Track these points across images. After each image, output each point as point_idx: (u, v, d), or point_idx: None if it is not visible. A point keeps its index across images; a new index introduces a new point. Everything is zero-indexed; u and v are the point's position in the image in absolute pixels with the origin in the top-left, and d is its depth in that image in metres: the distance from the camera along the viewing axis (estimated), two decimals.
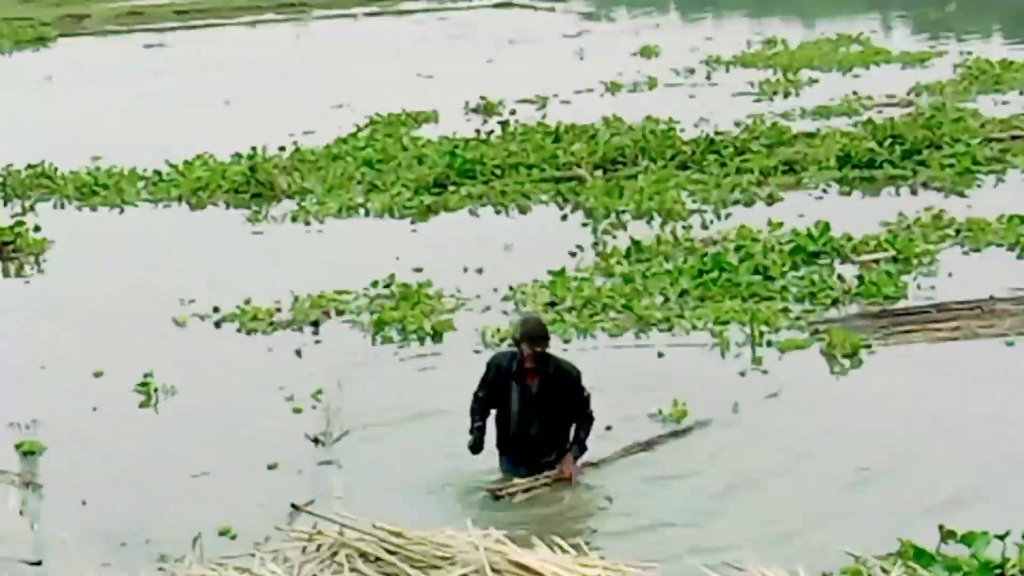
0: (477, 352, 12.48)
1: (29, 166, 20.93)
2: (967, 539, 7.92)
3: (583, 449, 9.77)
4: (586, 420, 9.73)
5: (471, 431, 9.73)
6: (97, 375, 12.34)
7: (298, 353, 12.93)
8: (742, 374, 11.95)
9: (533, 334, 9.53)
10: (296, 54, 33.95)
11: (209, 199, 19.81)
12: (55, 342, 13.33)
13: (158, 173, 20.83)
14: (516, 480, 9.55)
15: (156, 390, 11.86)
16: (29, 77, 31.18)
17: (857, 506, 9.22)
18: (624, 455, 10.15)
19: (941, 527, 8.05)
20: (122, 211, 19.60)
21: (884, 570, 7.44)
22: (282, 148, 21.38)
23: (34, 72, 31.91)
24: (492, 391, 9.68)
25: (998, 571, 7.62)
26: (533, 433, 9.65)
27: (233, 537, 8.54)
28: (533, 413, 9.61)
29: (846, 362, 12.10)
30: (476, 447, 9.71)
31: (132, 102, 26.96)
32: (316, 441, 10.60)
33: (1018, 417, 10.54)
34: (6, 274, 16.49)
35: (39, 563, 8.52)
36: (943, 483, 9.45)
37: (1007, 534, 7.87)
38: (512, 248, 16.16)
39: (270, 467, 10.15)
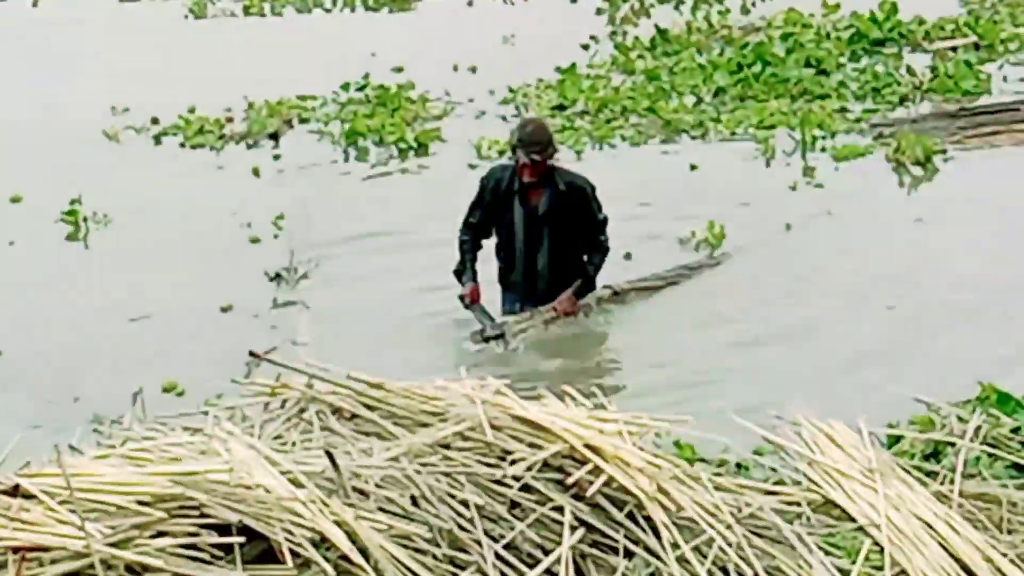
0: (473, 167, 12.43)
1: None
2: None
3: (590, 286, 9.73)
4: (598, 250, 9.65)
5: (460, 272, 9.63)
6: (15, 201, 12.25)
7: (255, 172, 12.87)
8: (792, 188, 11.89)
9: (533, 139, 9.38)
10: None
11: None
12: None
13: None
14: (506, 319, 9.55)
15: (85, 219, 11.79)
16: None
17: (931, 347, 9.24)
18: (648, 288, 10.14)
19: None
20: (35, 3, 19.40)
21: (961, 419, 7.46)
22: None
23: None
24: (489, 214, 9.59)
25: None
26: (542, 265, 9.60)
27: (180, 394, 8.57)
28: (540, 239, 9.55)
29: (917, 171, 12.05)
30: (471, 296, 9.59)
31: None
32: (277, 278, 10.56)
33: None
34: None
35: None
36: None
37: None
38: (512, 40, 16.01)
39: (224, 309, 10.11)
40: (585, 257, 9.67)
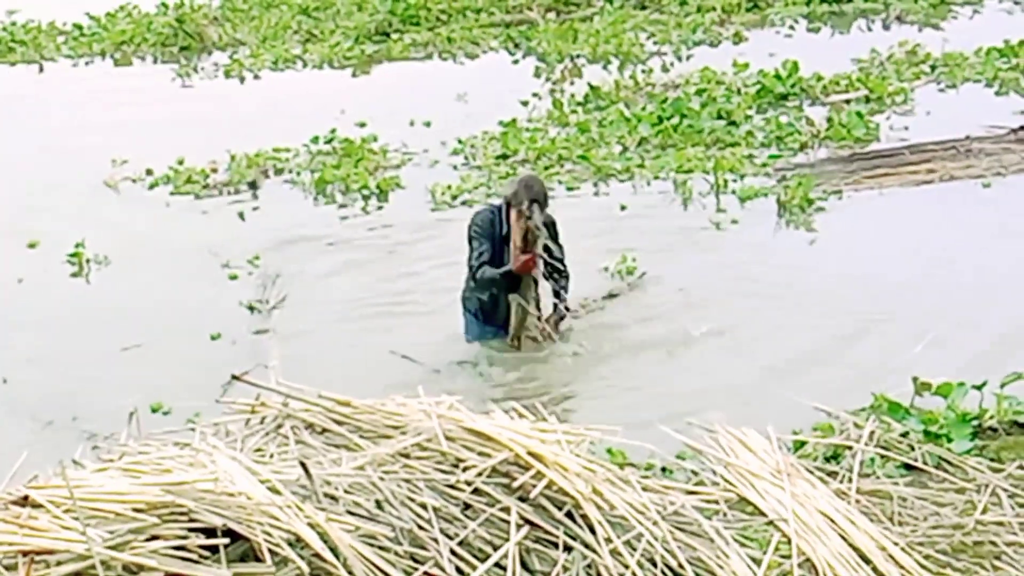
0: (434, 210, 12.42)
1: None
2: (943, 390, 7.95)
3: (567, 310, 9.71)
4: (563, 275, 9.63)
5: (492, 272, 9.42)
6: (31, 246, 12.11)
7: (240, 216, 12.80)
8: (717, 226, 11.87)
9: (541, 196, 9.24)
10: None
11: (134, 53, 19.55)
12: None
13: (78, 27, 20.51)
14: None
15: (88, 260, 11.69)
16: None
17: (827, 360, 9.25)
18: (582, 311, 10.12)
19: (915, 379, 8.08)
20: (41, 69, 19.30)
21: (857, 425, 7.48)
22: None
23: None
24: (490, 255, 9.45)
25: (975, 422, 7.68)
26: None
27: (166, 413, 8.48)
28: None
29: (812, 209, 12.06)
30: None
31: None
32: (252, 309, 10.50)
33: (994, 262, 10.57)
34: None
35: None
36: (918, 333, 9.46)
37: (984, 384, 7.91)
38: (465, 98, 16.01)
39: (213, 337, 10.00)
40: (552, 288, 9.58)
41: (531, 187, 9.36)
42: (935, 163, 12.80)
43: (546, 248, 9.31)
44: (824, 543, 6.17)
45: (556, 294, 9.66)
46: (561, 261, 9.61)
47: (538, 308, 9.47)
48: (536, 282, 9.37)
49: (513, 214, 9.27)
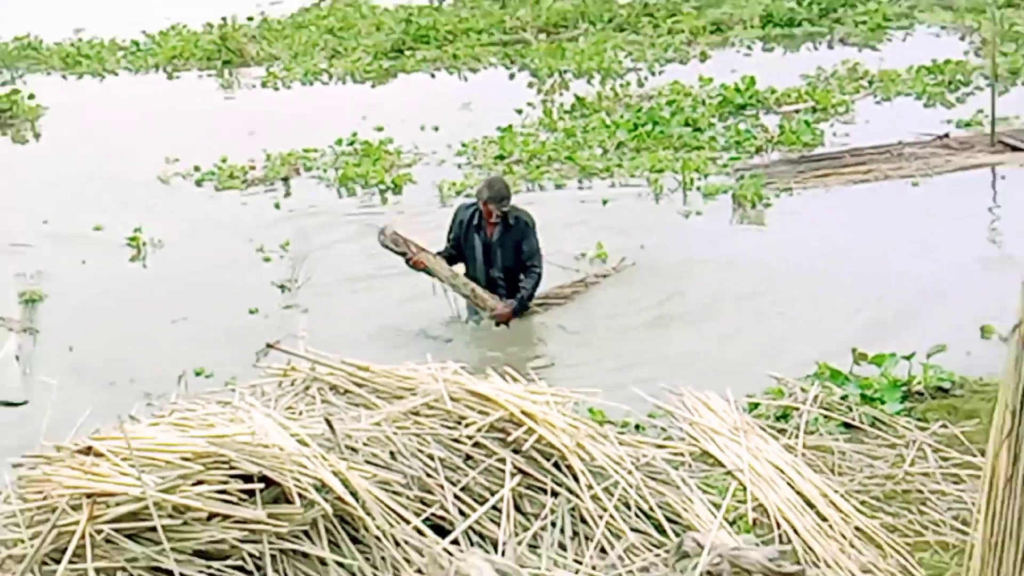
0: (444, 203, 12.39)
1: (16, 38, 20.52)
2: (877, 360, 7.96)
3: (523, 305, 9.50)
4: (532, 273, 9.49)
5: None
6: (97, 229, 12.10)
7: (277, 206, 12.79)
8: (685, 216, 11.84)
9: (499, 196, 9.40)
10: None
11: (184, 67, 19.49)
12: (54, 200, 13.09)
13: (136, 43, 20.48)
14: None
15: (144, 244, 11.67)
16: None
17: (778, 332, 9.23)
18: (566, 294, 10.09)
19: (854, 350, 8.08)
20: (103, 79, 19.25)
21: (803, 389, 7.49)
22: (250, 18, 21.02)
23: None
24: (457, 242, 9.58)
25: (904, 387, 7.70)
26: (495, 274, 9.59)
27: (208, 376, 8.47)
28: (493, 258, 9.54)
29: (762, 204, 12.02)
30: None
31: None
32: (282, 287, 10.47)
33: (920, 250, 10.57)
34: (6, 137, 16.22)
35: (24, 403, 8.45)
36: (856, 310, 9.47)
37: (912, 355, 7.92)
38: (469, 107, 16.00)
39: (251, 311, 9.98)
40: (520, 279, 9.54)
41: (492, 186, 9.54)
42: (872, 165, 12.78)
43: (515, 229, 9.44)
44: (775, 491, 6.18)
45: (519, 285, 9.49)
46: (531, 260, 9.48)
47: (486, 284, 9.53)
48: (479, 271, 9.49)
49: (489, 209, 9.36)
